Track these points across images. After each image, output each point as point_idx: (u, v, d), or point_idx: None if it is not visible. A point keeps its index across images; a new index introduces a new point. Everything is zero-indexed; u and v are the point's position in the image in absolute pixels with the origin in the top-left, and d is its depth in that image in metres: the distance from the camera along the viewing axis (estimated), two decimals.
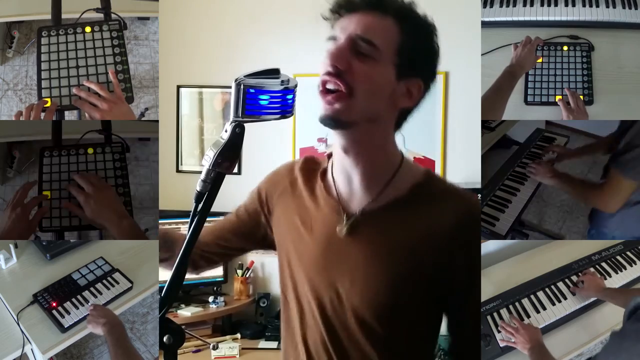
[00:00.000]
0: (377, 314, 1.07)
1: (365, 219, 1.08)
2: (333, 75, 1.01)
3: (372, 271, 1.07)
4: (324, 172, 1.17)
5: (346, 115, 1.01)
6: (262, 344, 2.64)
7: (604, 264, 2.19)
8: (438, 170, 2.67)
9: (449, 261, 1.05)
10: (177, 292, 1.06)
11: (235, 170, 2.97)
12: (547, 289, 2.05)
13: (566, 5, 2.06)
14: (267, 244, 1.31)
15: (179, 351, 1.05)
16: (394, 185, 1.08)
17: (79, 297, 2.00)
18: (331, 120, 1.02)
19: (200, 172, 1.00)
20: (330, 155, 1.17)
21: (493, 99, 1.82)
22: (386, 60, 1.02)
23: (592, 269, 2.14)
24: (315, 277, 1.12)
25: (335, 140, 1.08)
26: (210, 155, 0.98)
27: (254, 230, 1.31)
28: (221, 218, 1.36)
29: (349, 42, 1.01)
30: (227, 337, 2.68)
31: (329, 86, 1.01)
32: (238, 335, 2.69)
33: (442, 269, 1.06)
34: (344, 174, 1.11)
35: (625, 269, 2.19)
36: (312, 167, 1.21)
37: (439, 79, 2.66)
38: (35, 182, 1.73)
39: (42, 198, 1.70)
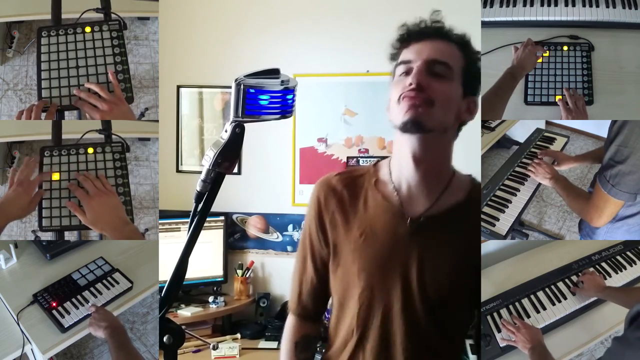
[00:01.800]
0: (442, 303, 1.21)
1: (427, 222, 1.21)
2: (416, 90, 1.13)
3: (436, 267, 1.20)
4: (377, 181, 1.27)
5: (428, 121, 1.14)
6: (262, 344, 2.64)
7: (604, 264, 2.19)
8: None
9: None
10: (177, 292, 1.07)
11: (235, 170, 2.97)
12: (547, 289, 2.05)
13: (566, 5, 2.06)
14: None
15: (179, 351, 1.05)
16: (451, 192, 1.23)
17: (79, 297, 2.00)
18: (415, 124, 1.13)
19: (200, 172, 1.00)
20: (375, 165, 1.30)
21: (493, 100, 1.82)
22: (456, 80, 1.18)
23: (592, 269, 2.14)
24: (383, 277, 1.22)
25: (405, 149, 1.19)
26: (210, 155, 0.99)
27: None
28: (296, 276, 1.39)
29: (426, 64, 1.16)
30: (227, 337, 2.68)
31: (413, 96, 1.13)
32: (238, 335, 2.68)
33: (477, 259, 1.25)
34: (407, 183, 1.22)
35: (625, 269, 2.18)
36: (354, 179, 1.30)
37: None
38: (38, 158, 1.75)
39: (47, 177, 1.72)
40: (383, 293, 1.22)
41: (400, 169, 1.23)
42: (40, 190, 1.71)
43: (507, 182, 2.33)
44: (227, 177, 1.01)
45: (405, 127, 1.14)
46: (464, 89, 1.19)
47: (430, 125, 1.14)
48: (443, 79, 1.16)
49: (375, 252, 1.23)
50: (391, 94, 1.18)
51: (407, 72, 1.17)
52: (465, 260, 1.23)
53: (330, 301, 1.37)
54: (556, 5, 2.06)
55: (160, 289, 1.57)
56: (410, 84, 1.14)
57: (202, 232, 1.02)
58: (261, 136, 2.88)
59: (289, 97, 0.99)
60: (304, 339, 1.37)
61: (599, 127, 3.09)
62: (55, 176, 1.73)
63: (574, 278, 2.10)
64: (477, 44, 2.01)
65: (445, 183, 1.23)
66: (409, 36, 1.20)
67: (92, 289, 2.04)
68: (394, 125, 1.17)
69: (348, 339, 1.28)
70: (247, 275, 2.90)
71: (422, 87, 1.13)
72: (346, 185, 1.29)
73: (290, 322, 1.40)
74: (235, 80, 0.97)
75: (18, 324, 1.88)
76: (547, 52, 2.01)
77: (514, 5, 2.08)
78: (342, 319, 1.29)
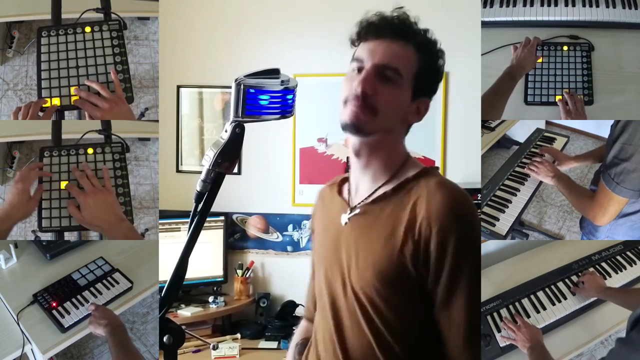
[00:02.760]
0: (373, 297, 1.13)
1: (361, 212, 1.20)
2: (361, 99, 1.13)
3: (365, 255, 1.16)
4: (343, 180, 1.31)
5: (368, 127, 1.14)
6: (262, 344, 2.63)
7: (604, 264, 2.19)
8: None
9: (424, 251, 1.09)
10: (177, 292, 1.07)
11: (235, 170, 2.97)
12: (547, 289, 2.05)
13: (566, 5, 2.06)
14: None
15: (179, 351, 1.05)
16: (391, 182, 1.19)
17: (79, 297, 1.99)
18: (354, 129, 1.14)
19: (200, 172, 1.00)
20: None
21: (492, 100, 1.82)
22: (405, 85, 1.16)
23: (592, 269, 2.14)
24: (329, 268, 1.23)
25: (349, 146, 1.20)
26: (210, 155, 0.99)
27: None
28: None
29: (376, 69, 1.14)
30: (227, 337, 2.68)
31: (355, 104, 1.13)
32: (238, 335, 2.68)
33: (421, 258, 1.09)
34: (355, 176, 1.24)
35: (625, 269, 2.19)
36: (337, 182, 1.33)
37: None
38: (41, 165, 1.75)
39: (43, 173, 1.72)
40: (327, 285, 1.23)
41: (351, 163, 1.25)
42: (40, 186, 1.71)
43: (507, 182, 2.33)
44: (227, 177, 1.01)
45: (346, 130, 1.16)
46: (414, 92, 1.17)
47: (370, 130, 1.15)
48: (391, 84, 1.14)
49: (324, 244, 1.27)
50: (342, 90, 1.18)
51: (359, 70, 1.16)
52: (394, 252, 1.10)
53: None
54: (556, 5, 2.06)
55: (160, 289, 1.57)
56: (356, 89, 1.13)
57: (202, 232, 1.02)
58: (261, 136, 2.88)
59: (289, 97, 0.99)
60: (305, 341, 1.38)
61: (599, 127, 3.08)
62: (62, 185, 1.73)
63: (574, 278, 2.10)
64: (477, 44, 2.03)
65: (389, 175, 1.19)
66: (367, 32, 1.18)
67: (92, 289, 2.04)
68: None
69: (316, 334, 1.29)
70: (247, 275, 2.90)
71: (367, 95, 1.13)
72: (330, 187, 1.35)
73: (300, 324, 1.47)
74: (235, 80, 0.97)
75: (18, 324, 1.88)
76: (541, 58, 2.01)
77: (514, 5, 2.08)
78: (317, 314, 1.32)
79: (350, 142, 1.19)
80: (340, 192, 1.29)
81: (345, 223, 1.21)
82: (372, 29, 1.17)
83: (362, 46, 1.18)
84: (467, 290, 1.09)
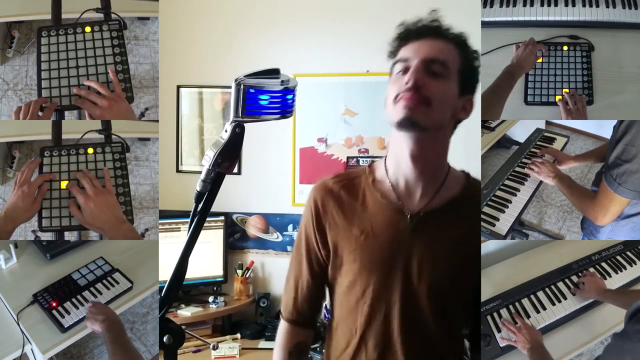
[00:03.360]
0: (445, 299, 1.23)
1: (427, 217, 1.23)
2: (413, 89, 1.14)
3: (438, 261, 1.21)
4: (374, 181, 1.28)
5: (423, 120, 1.15)
6: (262, 344, 2.64)
7: (604, 264, 2.19)
8: None
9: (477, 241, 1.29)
10: (177, 292, 1.07)
11: (235, 170, 2.97)
12: (547, 289, 2.05)
13: (566, 5, 2.06)
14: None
15: (179, 351, 1.05)
16: (447, 187, 1.25)
17: (79, 297, 1.99)
18: (409, 123, 1.14)
19: (200, 172, 1.00)
20: (371, 166, 1.32)
21: (491, 99, 1.82)
22: (452, 79, 1.19)
23: (592, 270, 2.14)
24: (385, 274, 1.23)
25: (402, 147, 1.20)
26: (210, 155, 0.99)
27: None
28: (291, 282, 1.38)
29: (424, 63, 1.16)
30: (227, 337, 2.68)
31: (409, 96, 1.14)
32: (238, 335, 2.69)
33: (477, 253, 1.27)
34: (405, 180, 1.24)
35: (625, 269, 2.18)
36: (351, 180, 1.31)
37: None
38: (40, 161, 1.75)
39: (48, 177, 1.72)
40: (385, 290, 1.23)
41: (397, 166, 1.24)
42: (42, 187, 1.71)
43: (507, 182, 2.33)
44: (227, 177, 1.01)
45: (402, 126, 1.15)
46: (460, 88, 1.20)
47: (426, 124, 1.15)
48: (440, 78, 1.17)
49: (376, 249, 1.23)
50: (388, 92, 1.19)
51: (405, 71, 1.18)
52: (464, 256, 1.24)
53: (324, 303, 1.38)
54: (556, 5, 2.06)
55: (160, 289, 1.57)
56: (407, 83, 1.14)
57: (202, 232, 1.02)
58: (261, 136, 2.88)
59: (289, 97, 0.99)
60: (297, 347, 1.36)
61: (599, 127, 3.09)
62: (63, 184, 1.73)
63: (574, 278, 2.09)
64: (477, 43, 2.02)
65: (441, 179, 1.25)
66: (407, 35, 1.21)
67: (92, 289, 2.04)
68: (391, 122, 1.18)
69: (350, 338, 1.28)
70: (247, 275, 2.90)
71: (419, 87, 1.14)
72: (343, 187, 1.30)
73: (283, 329, 1.39)
74: (235, 80, 0.97)
75: (18, 324, 1.88)
76: (541, 58, 2.01)
77: (514, 5, 2.08)
78: (343, 318, 1.30)
79: (406, 145, 1.19)
80: (385, 196, 1.25)
81: (410, 229, 1.22)
82: (412, 33, 1.21)
83: (404, 49, 1.21)
84: None
